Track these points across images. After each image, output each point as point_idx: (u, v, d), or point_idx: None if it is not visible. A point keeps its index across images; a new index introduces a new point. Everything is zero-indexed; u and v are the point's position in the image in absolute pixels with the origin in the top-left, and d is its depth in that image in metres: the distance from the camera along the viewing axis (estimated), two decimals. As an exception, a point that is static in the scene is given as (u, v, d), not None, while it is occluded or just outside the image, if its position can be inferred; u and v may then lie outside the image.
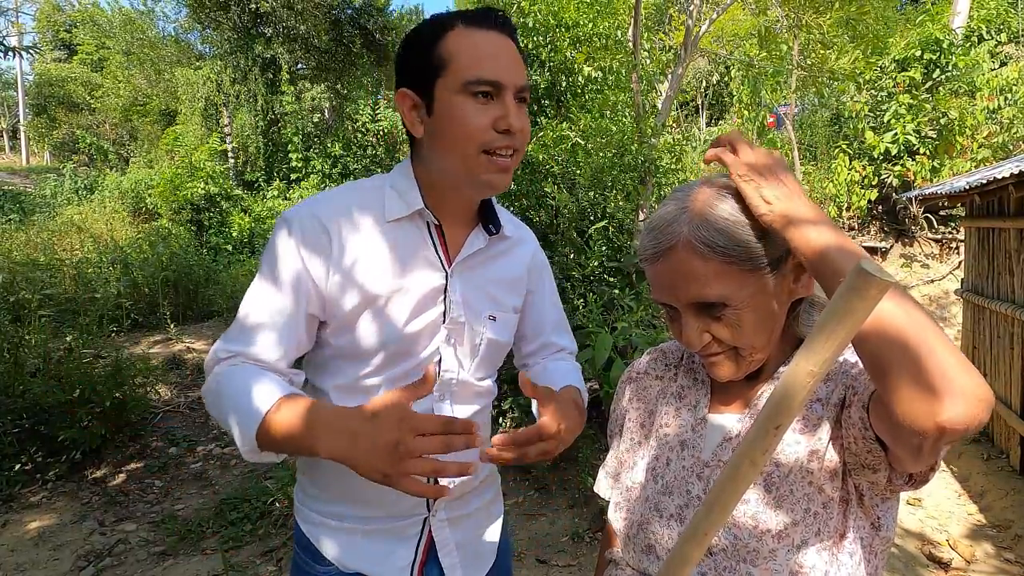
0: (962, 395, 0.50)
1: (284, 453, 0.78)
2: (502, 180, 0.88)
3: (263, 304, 0.87)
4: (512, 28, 0.90)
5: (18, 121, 21.87)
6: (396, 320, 0.89)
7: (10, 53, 4.32)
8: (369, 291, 0.88)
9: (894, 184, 7.58)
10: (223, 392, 0.80)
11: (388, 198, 0.92)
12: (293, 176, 10.55)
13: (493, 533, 1.08)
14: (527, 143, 0.91)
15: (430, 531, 0.97)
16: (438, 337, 0.93)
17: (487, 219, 0.99)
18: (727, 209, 0.68)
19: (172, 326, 5.29)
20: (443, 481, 0.93)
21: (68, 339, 3.68)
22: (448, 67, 0.85)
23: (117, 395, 3.51)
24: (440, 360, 0.94)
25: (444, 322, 0.93)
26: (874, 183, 7.75)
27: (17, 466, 3.19)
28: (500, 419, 3.71)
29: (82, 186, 11.85)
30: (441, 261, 0.93)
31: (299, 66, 11.54)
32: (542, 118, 4.44)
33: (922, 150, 7.38)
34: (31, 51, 5.20)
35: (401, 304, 0.90)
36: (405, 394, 0.71)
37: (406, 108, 0.90)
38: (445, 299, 0.93)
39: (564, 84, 4.65)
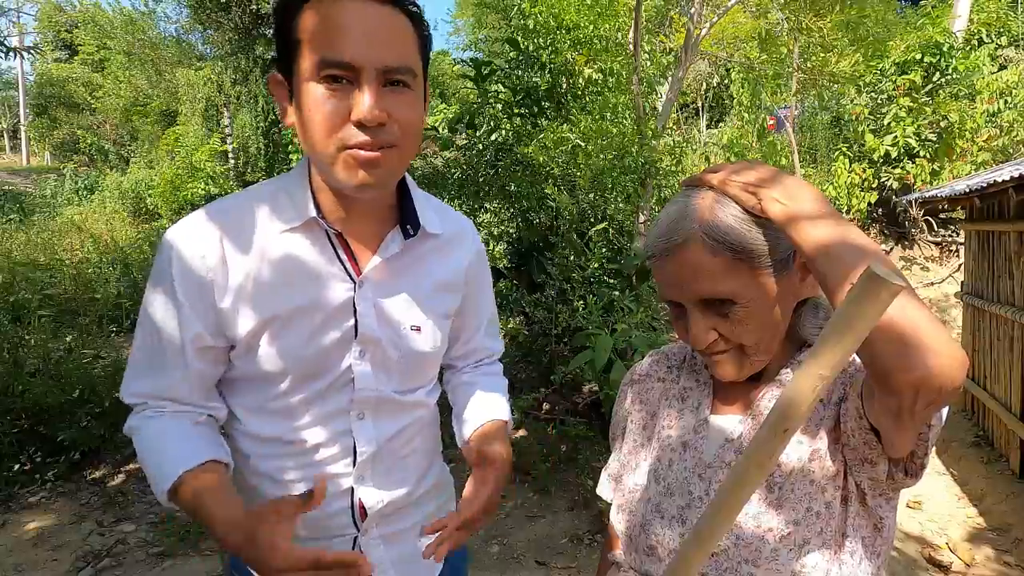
0: (933, 351, 0.51)
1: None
2: (366, 177, 0.74)
3: (153, 338, 0.81)
4: None
5: (19, 121, 21.87)
6: (299, 340, 0.81)
7: (11, 53, 4.32)
8: (265, 312, 0.79)
9: (894, 187, 7.58)
10: (139, 448, 0.81)
11: (278, 206, 0.81)
12: (293, 177, 10.52)
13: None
14: (412, 132, 0.77)
15: (361, 549, 0.90)
16: (350, 354, 0.84)
17: (405, 218, 0.86)
18: (734, 208, 0.68)
19: (172, 326, 5.28)
20: (367, 503, 0.88)
21: (68, 339, 3.68)
22: (300, 48, 0.72)
23: (116, 395, 3.49)
24: (353, 378, 0.85)
25: (355, 337, 0.84)
26: (874, 186, 7.76)
27: (16, 466, 3.19)
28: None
29: (82, 186, 11.86)
30: (348, 271, 0.83)
31: (300, 67, 11.55)
32: (542, 120, 4.44)
33: (922, 153, 7.39)
34: (32, 52, 5.20)
35: (303, 323, 0.81)
36: (287, 509, 0.67)
37: (278, 95, 0.79)
38: (355, 312, 0.83)
39: (565, 86, 4.66)
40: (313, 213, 0.80)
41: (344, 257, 0.83)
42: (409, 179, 0.89)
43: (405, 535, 0.94)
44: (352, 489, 0.87)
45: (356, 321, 0.83)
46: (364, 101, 0.70)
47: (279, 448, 0.85)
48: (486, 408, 0.98)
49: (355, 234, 0.84)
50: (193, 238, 0.79)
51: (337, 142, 0.72)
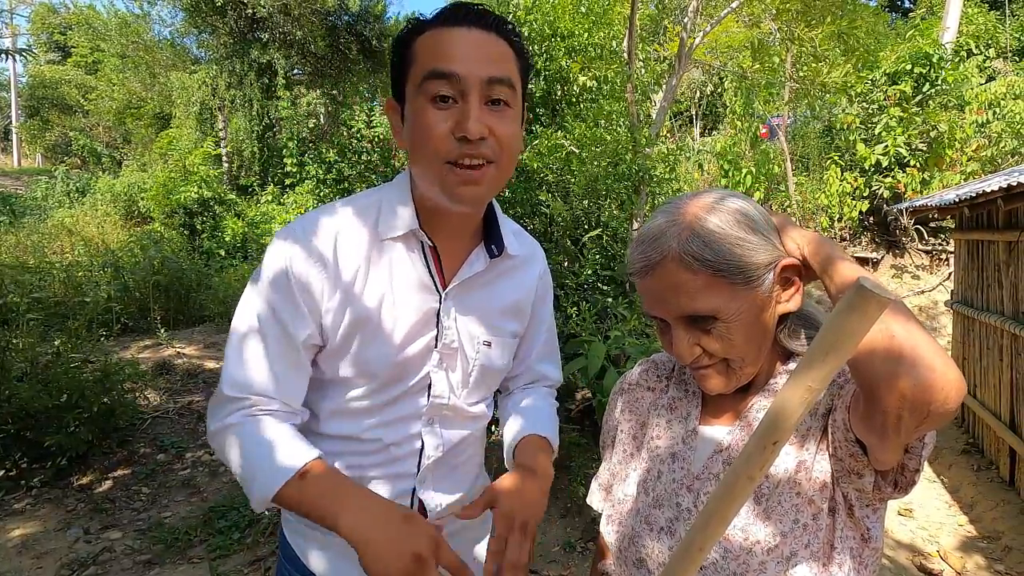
0: (928, 367, 0.51)
1: (297, 513, 0.75)
2: (467, 192, 0.79)
3: (262, 336, 0.81)
4: (494, 21, 0.80)
5: (10, 123, 21.72)
6: (386, 345, 0.85)
7: (3, 55, 4.29)
8: (360, 315, 0.83)
9: (885, 196, 7.66)
10: (243, 444, 0.78)
11: (382, 215, 0.86)
12: (288, 181, 10.51)
13: (483, 550, 1.05)
14: (510, 150, 0.81)
15: None
16: (430, 362, 0.89)
17: (490, 237, 0.91)
18: (716, 223, 0.68)
19: (163, 331, 5.24)
20: (428, 505, 0.93)
21: (56, 343, 3.63)
22: (412, 70, 0.79)
23: (105, 400, 3.46)
24: (430, 385, 0.90)
25: (436, 347, 0.89)
26: (865, 194, 7.83)
27: (1, 472, 3.14)
28: (493, 427, 3.70)
29: (74, 189, 11.76)
30: (435, 283, 0.88)
31: (295, 72, 11.54)
32: (537, 126, 4.46)
33: (912, 162, 7.47)
34: (24, 54, 5.16)
35: (391, 329, 0.85)
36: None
37: (392, 116, 0.85)
38: (438, 323, 0.88)
39: (559, 93, 4.68)
40: (416, 225, 0.85)
41: (434, 270, 0.88)
42: (494, 202, 0.93)
43: (455, 538, 0.96)
44: (414, 490, 0.92)
45: (439, 332, 0.88)
46: (471, 116, 0.75)
47: (351, 446, 0.89)
48: (530, 422, 0.98)
49: (445, 249, 0.89)
50: (308, 239, 0.83)
51: (442, 156, 0.76)
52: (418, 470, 0.91)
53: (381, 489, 0.90)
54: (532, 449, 0.93)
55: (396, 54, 0.82)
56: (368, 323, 0.84)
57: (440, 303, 0.88)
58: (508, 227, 0.95)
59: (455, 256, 0.89)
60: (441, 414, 0.92)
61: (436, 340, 0.88)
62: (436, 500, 0.93)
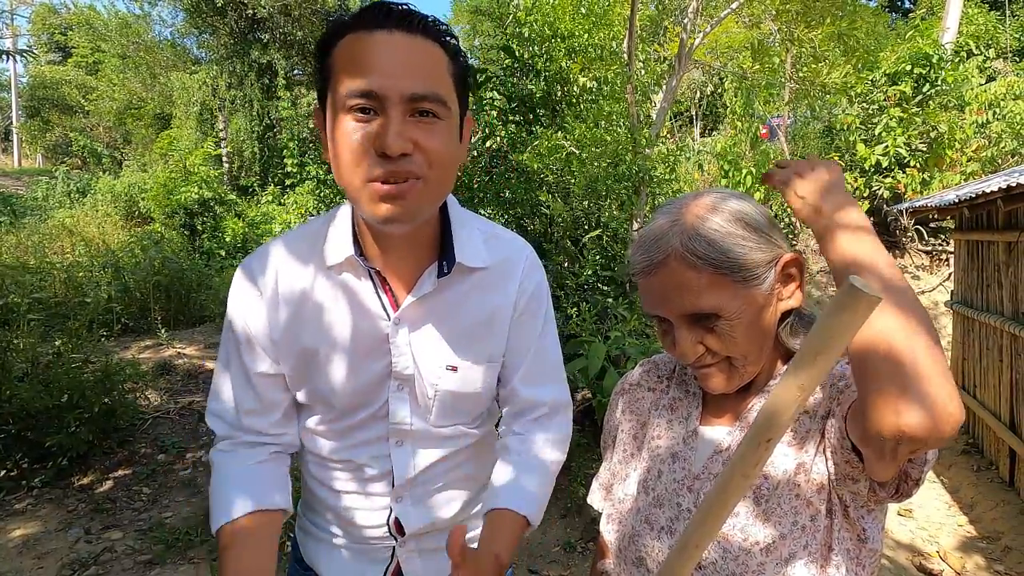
0: (927, 403, 0.51)
1: None
2: (390, 210, 0.71)
3: (227, 369, 0.87)
4: (420, 22, 0.72)
5: (11, 123, 21.74)
6: (339, 374, 0.84)
7: (4, 56, 4.30)
8: (307, 345, 0.83)
9: (885, 196, 7.66)
10: (213, 477, 0.86)
11: (328, 242, 0.83)
12: (288, 181, 10.52)
13: None
14: (441, 164, 0.73)
15: (398, 559, 0.94)
16: (388, 389, 0.86)
17: (444, 253, 0.84)
18: (718, 222, 0.69)
19: (163, 331, 5.25)
20: (404, 522, 0.92)
21: (57, 343, 3.64)
22: (331, 80, 0.72)
23: (106, 400, 3.46)
24: (389, 412, 0.87)
25: (391, 373, 0.85)
26: (865, 195, 7.83)
27: (2, 472, 3.15)
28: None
29: (74, 189, 11.76)
30: (385, 308, 0.84)
31: (295, 72, 11.55)
32: (537, 127, 4.47)
33: (912, 163, 7.47)
34: (25, 55, 5.17)
35: (342, 357, 0.84)
36: None
37: (319, 127, 0.79)
38: (390, 350, 0.85)
39: (559, 94, 4.69)
40: (351, 252, 0.81)
41: (384, 295, 0.84)
42: (456, 212, 0.87)
43: (441, 553, 0.92)
44: (390, 507, 0.92)
45: (392, 358, 0.85)
46: (390, 131, 0.68)
47: (329, 463, 0.91)
48: (506, 491, 0.87)
49: (393, 271, 0.84)
50: (253, 275, 0.84)
51: (362, 174, 0.70)
52: (392, 488, 0.90)
53: (359, 503, 0.91)
54: (498, 526, 0.84)
55: (318, 60, 0.75)
56: (316, 353, 0.83)
57: (391, 328, 0.84)
58: (476, 235, 0.87)
59: (406, 278, 0.84)
60: (409, 437, 0.89)
61: (391, 366, 0.85)
62: (414, 517, 0.91)
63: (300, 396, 0.87)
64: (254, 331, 0.84)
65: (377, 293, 0.84)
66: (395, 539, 0.92)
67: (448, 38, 0.75)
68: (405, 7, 0.72)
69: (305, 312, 0.83)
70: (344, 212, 0.85)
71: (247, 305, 0.84)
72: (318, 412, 0.88)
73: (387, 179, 0.70)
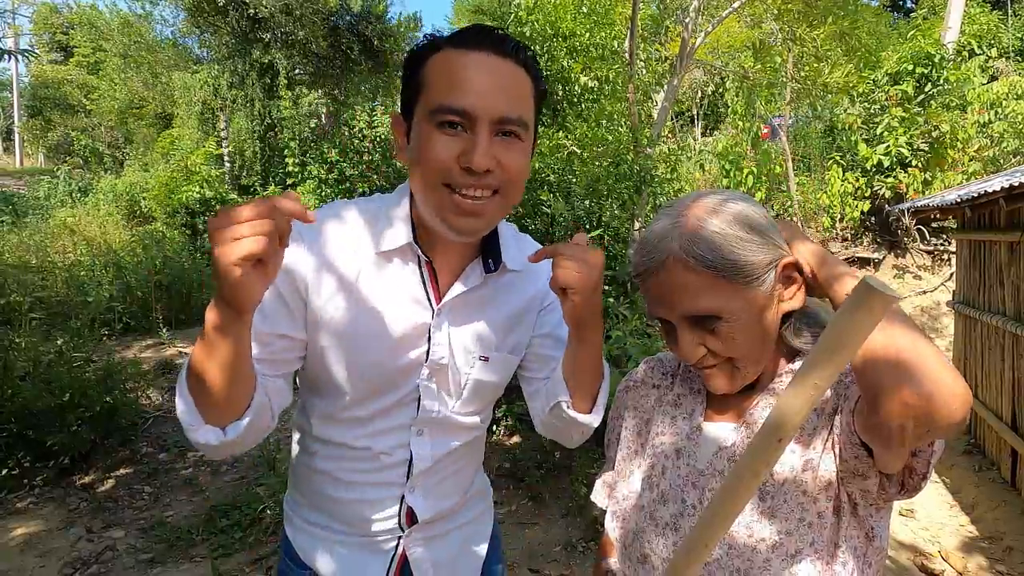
0: (932, 379, 0.51)
1: (202, 365, 0.67)
2: (466, 225, 0.77)
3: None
4: (513, 48, 0.77)
5: (12, 123, 21.76)
6: (375, 356, 0.85)
7: (6, 55, 4.30)
8: (348, 324, 0.83)
9: (887, 196, 7.65)
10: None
11: (380, 227, 0.85)
12: (289, 181, 10.52)
13: (478, 551, 1.04)
14: (517, 181, 0.79)
15: (404, 548, 0.95)
16: (419, 375, 0.88)
17: (489, 251, 0.89)
18: (718, 224, 0.69)
19: (164, 330, 5.25)
20: (416, 511, 0.93)
21: (59, 342, 3.65)
22: (422, 92, 0.77)
23: (107, 400, 3.47)
24: (420, 397, 0.89)
25: (426, 361, 0.87)
26: (867, 195, 7.82)
27: (4, 471, 3.15)
28: (494, 427, 3.70)
29: (76, 189, 11.78)
30: (429, 298, 0.86)
31: (297, 71, 11.55)
32: (539, 127, 4.47)
33: (914, 162, 7.46)
34: (26, 55, 5.17)
35: (380, 340, 0.84)
36: None
37: (397, 132, 0.84)
38: (429, 339, 0.87)
39: (561, 93, 4.69)
40: (411, 239, 0.84)
41: (429, 284, 0.87)
42: None
43: (445, 538, 0.98)
44: (403, 497, 0.92)
45: (429, 347, 0.87)
46: (479, 148, 0.73)
47: (343, 452, 0.90)
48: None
49: (442, 263, 0.87)
50: (311, 240, 0.82)
51: (443, 179, 0.75)
52: (408, 479, 0.91)
53: (370, 495, 0.91)
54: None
55: (408, 72, 0.80)
56: (353, 334, 0.84)
57: (432, 318, 0.86)
58: (509, 236, 0.93)
59: (451, 271, 0.88)
60: (431, 425, 0.91)
61: (426, 355, 0.87)
62: (425, 506, 0.93)
63: (327, 374, 0.85)
64: (290, 289, 0.81)
65: (423, 282, 0.86)
66: (402, 530, 0.94)
67: (534, 64, 0.81)
68: (501, 31, 0.78)
69: (350, 291, 0.83)
70: (399, 200, 0.87)
71: (288, 267, 0.80)
72: (345, 395, 0.86)
73: (469, 192, 0.75)
